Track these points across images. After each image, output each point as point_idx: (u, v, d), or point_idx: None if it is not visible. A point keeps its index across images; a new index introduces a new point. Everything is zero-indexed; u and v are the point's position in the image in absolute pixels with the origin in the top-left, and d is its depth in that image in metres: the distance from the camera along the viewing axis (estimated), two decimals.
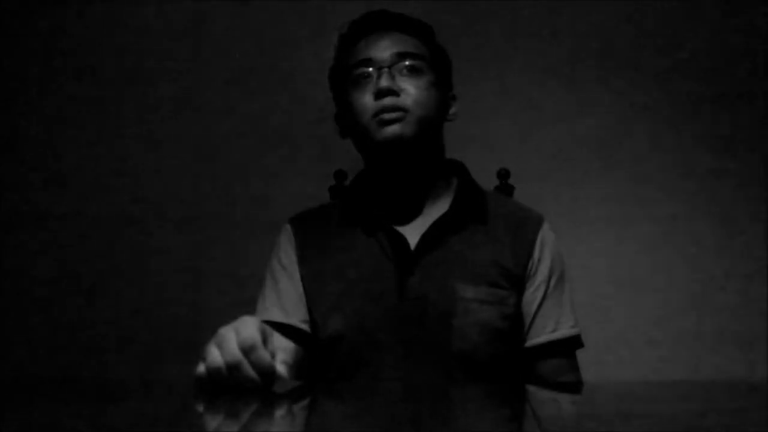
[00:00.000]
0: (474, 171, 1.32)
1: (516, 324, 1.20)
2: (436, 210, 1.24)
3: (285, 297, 1.24)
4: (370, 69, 1.20)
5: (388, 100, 1.17)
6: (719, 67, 2.01)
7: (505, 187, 1.53)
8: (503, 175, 1.54)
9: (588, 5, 2.02)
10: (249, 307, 1.28)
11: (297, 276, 1.24)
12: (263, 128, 2.00)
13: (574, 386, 1.12)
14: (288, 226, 1.30)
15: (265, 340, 0.82)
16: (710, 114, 2.00)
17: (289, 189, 1.95)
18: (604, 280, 1.95)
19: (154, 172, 1.99)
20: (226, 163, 1.99)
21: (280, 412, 0.74)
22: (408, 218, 1.24)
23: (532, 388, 0.99)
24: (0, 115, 2.02)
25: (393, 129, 1.17)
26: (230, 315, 0.87)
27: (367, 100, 1.19)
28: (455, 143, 1.33)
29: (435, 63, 1.24)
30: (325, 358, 1.20)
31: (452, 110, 1.28)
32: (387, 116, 1.17)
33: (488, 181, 1.44)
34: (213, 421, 0.70)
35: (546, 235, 1.24)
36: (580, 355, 1.27)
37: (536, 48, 2.01)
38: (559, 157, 1.99)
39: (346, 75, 1.23)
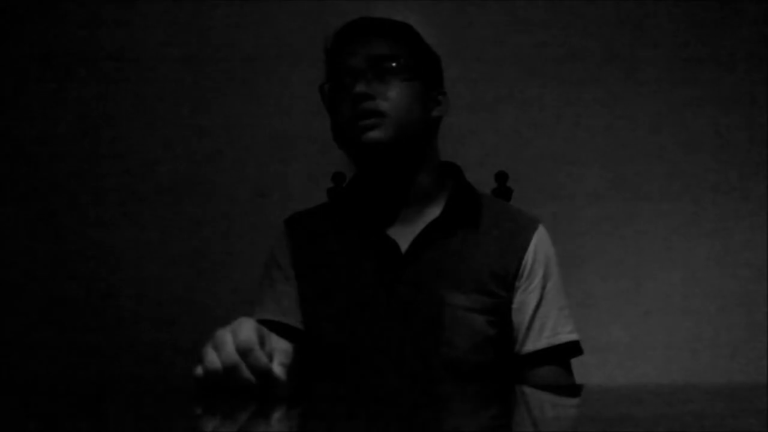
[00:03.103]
0: (472, 173, 1.32)
1: (506, 331, 1.19)
2: (429, 214, 1.23)
3: (282, 297, 1.24)
4: (347, 77, 1.20)
5: (364, 105, 1.17)
6: (721, 67, 2.01)
7: (503, 190, 1.53)
8: (501, 177, 1.54)
9: (588, 5, 2.02)
10: (248, 307, 1.28)
11: (292, 276, 1.25)
12: (262, 128, 2.00)
13: (573, 390, 1.11)
14: (284, 227, 1.31)
15: (262, 342, 0.82)
16: (711, 114, 2.00)
17: (288, 189, 1.96)
18: (603, 281, 1.95)
19: (153, 173, 1.99)
20: (225, 163, 2.00)
21: (277, 415, 0.74)
22: (402, 223, 1.23)
23: (527, 390, 0.99)
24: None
25: (370, 135, 1.17)
26: (229, 315, 0.87)
27: (345, 107, 1.19)
28: (453, 145, 1.33)
29: (416, 62, 1.23)
30: (316, 361, 1.20)
31: (440, 107, 1.26)
32: (363, 123, 1.17)
33: (486, 184, 1.43)
34: (210, 423, 0.70)
35: (540, 240, 1.23)
36: (578, 357, 1.26)
37: (535, 48, 2.01)
38: (558, 159, 1.99)
39: (329, 85, 1.24)
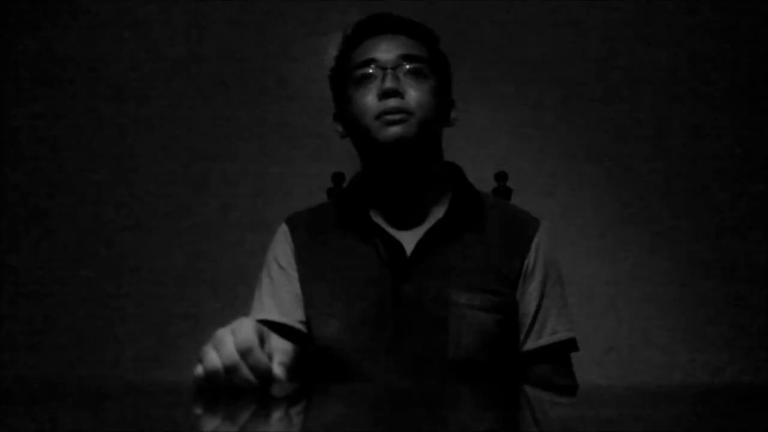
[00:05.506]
0: (472, 173, 1.32)
1: (511, 329, 1.20)
2: (432, 215, 1.24)
3: (282, 297, 1.24)
4: (374, 69, 1.20)
5: (392, 102, 1.17)
6: (721, 69, 2.01)
7: (503, 190, 1.53)
8: (501, 177, 1.54)
9: (587, 5, 2.02)
10: (248, 307, 1.28)
11: (294, 276, 1.24)
12: (262, 128, 2.00)
13: (570, 389, 1.12)
14: (285, 226, 1.30)
15: (262, 342, 0.82)
16: (711, 116, 2.00)
17: (288, 189, 1.95)
18: (602, 282, 1.95)
19: (153, 173, 1.99)
20: (225, 163, 2.00)
21: (277, 415, 0.74)
22: (405, 223, 1.23)
23: (529, 390, 1.00)
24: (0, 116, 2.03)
25: (396, 130, 1.17)
26: (229, 315, 0.87)
27: (370, 100, 1.19)
28: (453, 146, 1.33)
29: (437, 68, 1.24)
30: (318, 362, 1.20)
31: (452, 115, 1.29)
32: (390, 117, 1.17)
33: (486, 184, 1.43)
34: (210, 423, 0.70)
35: (542, 239, 1.24)
36: (579, 356, 1.27)
37: (534, 49, 2.01)
38: (558, 159, 1.99)
39: (349, 75, 1.23)
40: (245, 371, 0.80)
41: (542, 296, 1.22)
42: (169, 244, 1.97)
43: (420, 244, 1.20)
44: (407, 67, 1.20)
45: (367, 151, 1.24)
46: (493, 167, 1.56)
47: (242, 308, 1.25)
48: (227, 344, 0.80)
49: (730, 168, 1.99)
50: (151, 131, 2.01)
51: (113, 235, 1.98)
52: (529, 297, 1.21)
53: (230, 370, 0.79)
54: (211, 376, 0.80)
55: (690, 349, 1.93)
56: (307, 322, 1.22)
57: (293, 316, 1.22)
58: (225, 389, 0.80)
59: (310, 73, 1.94)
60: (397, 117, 1.17)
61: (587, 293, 1.90)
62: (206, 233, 1.97)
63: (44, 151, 2.01)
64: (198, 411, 0.75)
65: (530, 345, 1.21)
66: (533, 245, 1.23)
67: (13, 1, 2.04)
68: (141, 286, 1.96)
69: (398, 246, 1.20)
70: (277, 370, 0.82)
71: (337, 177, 1.56)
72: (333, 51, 1.30)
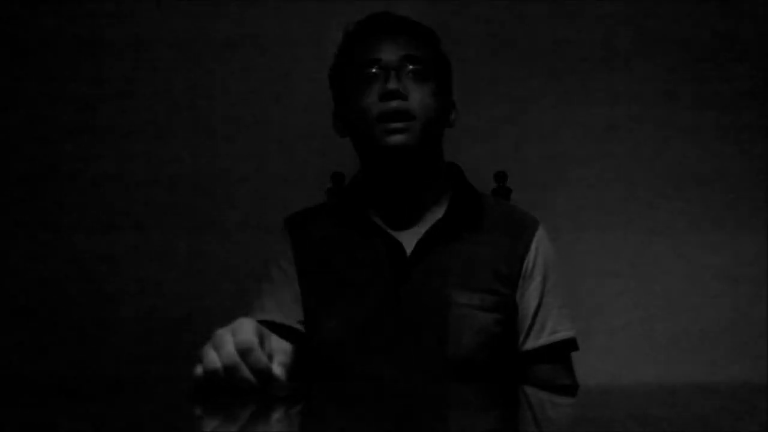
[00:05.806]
0: (471, 174, 1.32)
1: (511, 329, 1.20)
2: (432, 215, 1.24)
3: (282, 297, 1.24)
4: (378, 70, 1.19)
5: (394, 104, 1.16)
6: (721, 69, 2.01)
7: (502, 190, 1.53)
8: (500, 178, 1.54)
9: (588, 6, 2.02)
10: (247, 307, 1.28)
11: (294, 276, 1.25)
12: (262, 128, 2.00)
13: (570, 389, 1.12)
14: (284, 226, 1.30)
15: (262, 342, 0.82)
16: (711, 117, 2.00)
17: (288, 189, 1.95)
18: (601, 282, 1.95)
19: (153, 172, 1.99)
20: (224, 163, 1.99)
21: (276, 415, 0.74)
22: (405, 224, 1.23)
23: (529, 390, 1.00)
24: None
25: (399, 138, 1.16)
26: (228, 315, 0.87)
27: (372, 100, 1.18)
28: (453, 146, 1.33)
29: (439, 69, 1.24)
30: (318, 362, 1.20)
31: (452, 117, 1.28)
32: (393, 126, 1.16)
33: (485, 184, 1.44)
34: (210, 423, 0.70)
35: (541, 239, 1.24)
36: (578, 357, 1.27)
37: (534, 49, 2.01)
38: (557, 160, 1.98)
39: (351, 74, 1.22)
40: (245, 371, 0.80)
41: (542, 296, 1.22)
42: (168, 243, 1.97)
43: (420, 244, 1.20)
44: (410, 68, 1.20)
45: (368, 153, 1.23)
46: (493, 167, 1.56)
47: (242, 308, 1.25)
48: (227, 344, 0.80)
49: (730, 169, 1.98)
50: (150, 132, 2.01)
51: (113, 234, 1.98)
52: (529, 297, 1.21)
53: (230, 370, 0.79)
54: (210, 376, 0.80)
55: (691, 349, 1.93)
56: (307, 323, 1.22)
57: (293, 316, 1.22)
58: (225, 389, 0.80)
59: (311, 72, 1.94)
60: (400, 125, 1.16)
61: (587, 293, 1.90)
62: (206, 233, 1.97)
63: (42, 150, 2.00)
64: (198, 411, 0.75)
65: (530, 344, 1.21)
66: (533, 245, 1.23)
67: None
68: (140, 285, 1.96)
69: (398, 246, 1.20)
70: (277, 370, 0.82)
71: (337, 177, 1.56)
72: (334, 49, 1.30)
